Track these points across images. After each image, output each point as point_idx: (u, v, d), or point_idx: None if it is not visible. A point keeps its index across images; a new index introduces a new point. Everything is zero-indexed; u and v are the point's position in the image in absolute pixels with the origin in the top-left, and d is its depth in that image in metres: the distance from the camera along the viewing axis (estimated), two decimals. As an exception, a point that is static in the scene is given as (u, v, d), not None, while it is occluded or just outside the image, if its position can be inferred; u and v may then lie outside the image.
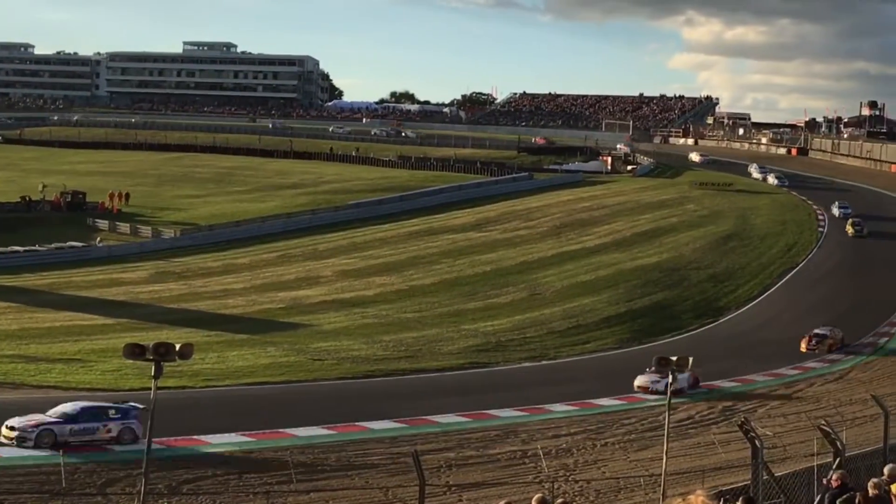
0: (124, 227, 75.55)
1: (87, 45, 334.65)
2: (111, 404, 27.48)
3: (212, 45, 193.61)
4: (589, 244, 67.69)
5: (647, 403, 35.19)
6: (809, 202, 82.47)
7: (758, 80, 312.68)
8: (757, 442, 14.83)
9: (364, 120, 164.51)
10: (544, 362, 42.62)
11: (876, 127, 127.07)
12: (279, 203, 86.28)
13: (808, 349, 43.73)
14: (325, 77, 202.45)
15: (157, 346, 12.53)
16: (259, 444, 27.47)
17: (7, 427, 25.73)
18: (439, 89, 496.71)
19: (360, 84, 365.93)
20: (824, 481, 13.94)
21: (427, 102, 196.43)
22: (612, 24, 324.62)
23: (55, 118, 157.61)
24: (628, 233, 70.47)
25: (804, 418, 30.47)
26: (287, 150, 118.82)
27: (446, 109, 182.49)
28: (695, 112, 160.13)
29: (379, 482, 24.60)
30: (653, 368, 34.90)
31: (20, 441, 25.40)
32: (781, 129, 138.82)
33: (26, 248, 65.29)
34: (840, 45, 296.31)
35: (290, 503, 23.14)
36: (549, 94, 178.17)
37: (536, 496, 11.96)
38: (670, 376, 19.50)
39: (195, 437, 27.30)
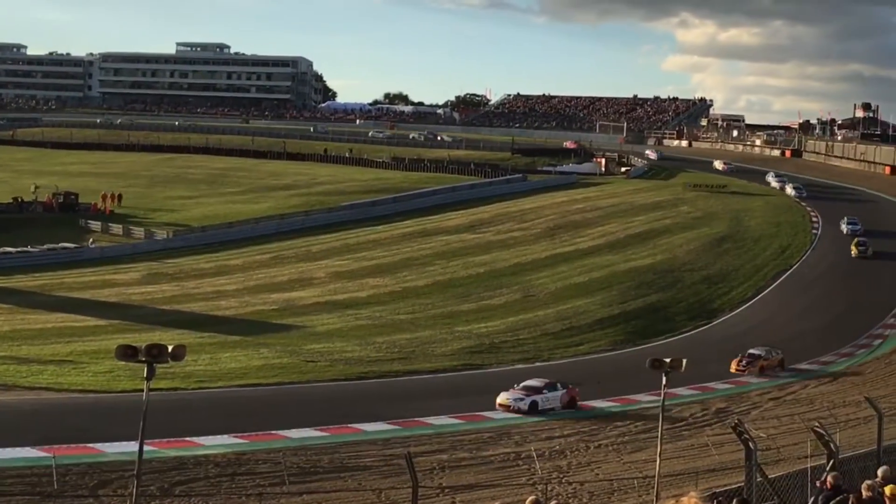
0: (117, 228, 75.37)
1: (79, 46, 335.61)
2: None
3: (205, 46, 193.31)
4: (583, 246, 67.68)
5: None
6: (803, 205, 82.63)
7: (752, 82, 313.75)
8: (750, 444, 14.79)
9: (357, 121, 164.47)
10: (538, 364, 42.53)
11: (870, 129, 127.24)
12: (272, 204, 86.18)
13: (737, 370, 41.19)
14: (319, 78, 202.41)
15: (150, 347, 12.42)
16: (252, 446, 27.35)
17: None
18: (433, 90, 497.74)
19: (353, 85, 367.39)
20: (818, 483, 13.93)
21: (421, 104, 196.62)
22: (606, 25, 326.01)
23: (43, 119, 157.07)
24: (622, 234, 70.46)
25: (798, 420, 30.45)
26: (280, 152, 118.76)
27: (440, 111, 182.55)
28: (689, 114, 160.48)
29: (372, 484, 24.51)
30: (518, 386, 34.35)
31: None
32: (775, 131, 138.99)
33: (18, 250, 64.98)
34: (834, 47, 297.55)
35: (283, 505, 23.06)
36: (543, 95, 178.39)
37: (530, 498, 11.93)
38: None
39: (188, 438, 27.17)
